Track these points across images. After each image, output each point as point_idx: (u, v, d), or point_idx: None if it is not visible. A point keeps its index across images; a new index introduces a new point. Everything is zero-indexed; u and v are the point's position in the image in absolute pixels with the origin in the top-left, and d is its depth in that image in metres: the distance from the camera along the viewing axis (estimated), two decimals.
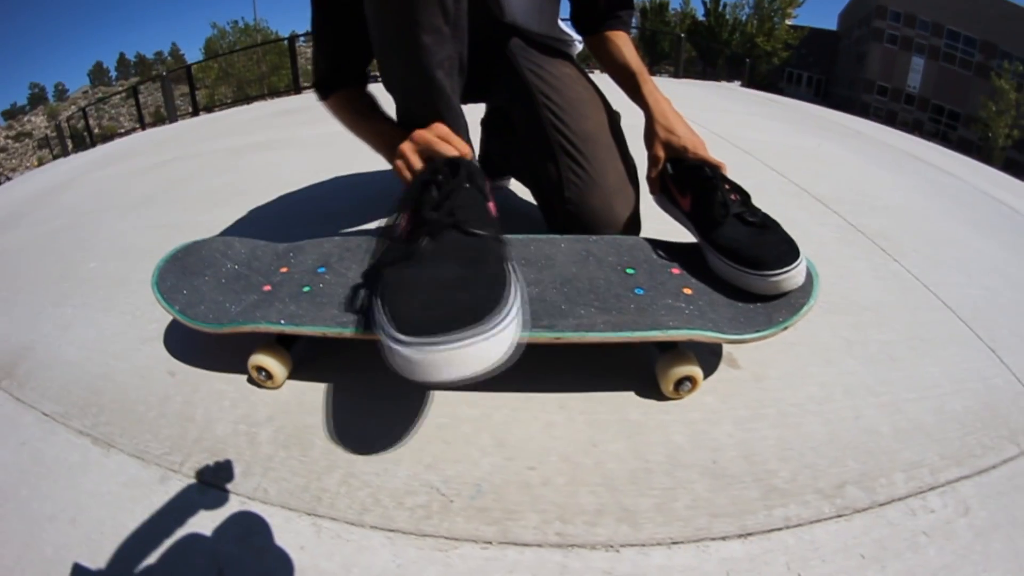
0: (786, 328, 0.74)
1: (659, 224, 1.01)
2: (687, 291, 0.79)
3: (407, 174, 0.79)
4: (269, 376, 0.81)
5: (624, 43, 1.06)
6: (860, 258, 1.18)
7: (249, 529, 0.62)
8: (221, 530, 0.62)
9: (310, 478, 0.67)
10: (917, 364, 0.86)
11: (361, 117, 0.95)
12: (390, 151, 0.85)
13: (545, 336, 0.71)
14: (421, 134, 0.79)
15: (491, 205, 0.73)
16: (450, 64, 0.79)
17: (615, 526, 0.61)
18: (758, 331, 0.73)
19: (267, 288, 0.87)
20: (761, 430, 0.72)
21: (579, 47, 1.16)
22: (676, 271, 0.83)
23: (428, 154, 0.78)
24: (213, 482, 0.68)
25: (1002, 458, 0.71)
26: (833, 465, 0.68)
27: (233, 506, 0.65)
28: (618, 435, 0.72)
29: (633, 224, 0.98)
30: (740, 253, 0.79)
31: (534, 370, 0.81)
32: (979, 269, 1.20)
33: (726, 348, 0.86)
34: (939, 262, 1.20)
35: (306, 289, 0.84)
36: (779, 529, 0.61)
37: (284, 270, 0.90)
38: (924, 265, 1.17)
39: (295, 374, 0.84)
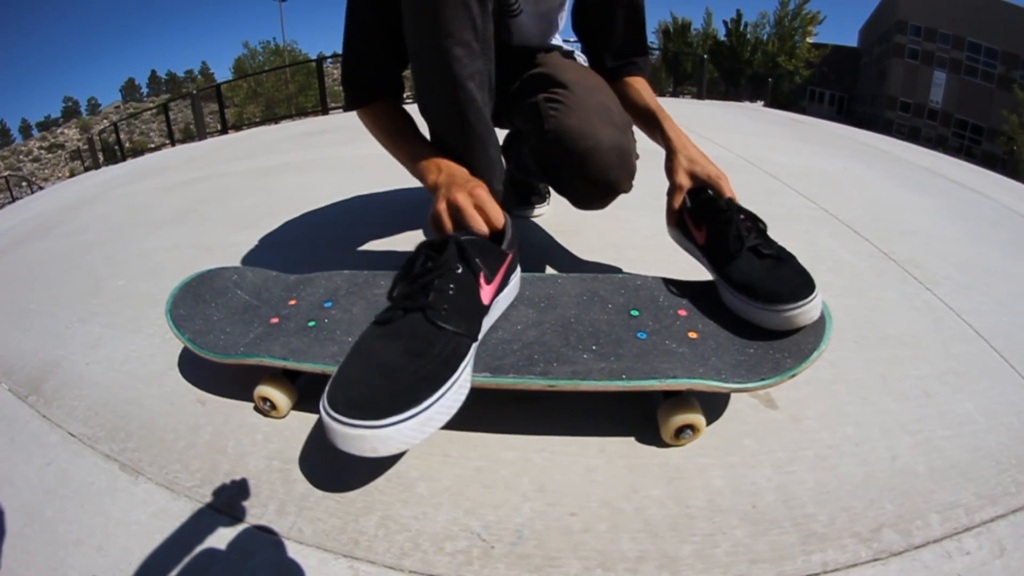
0: (793, 376, 0.71)
1: (675, 255, 1.00)
2: (692, 335, 0.77)
3: (438, 234, 0.78)
4: (273, 407, 0.81)
5: (642, 87, 1.07)
6: (892, 288, 1.16)
7: (284, 569, 0.61)
8: (255, 569, 0.62)
9: (347, 519, 0.66)
10: (951, 399, 0.84)
11: (399, 138, 0.97)
12: (424, 178, 0.87)
13: (539, 383, 0.70)
14: (456, 198, 0.77)
15: (485, 291, 0.71)
16: (480, 78, 0.83)
17: (656, 573, 0.60)
18: (763, 379, 0.71)
19: (275, 320, 0.87)
20: (799, 473, 0.71)
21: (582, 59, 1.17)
22: (683, 312, 0.81)
23: (458, 220, 0.77)
24: (246, 519, 0.67)
25: None
26: (870, 508, 0.66)
27: (267, 545, 0.64)
28: (659, 480, 0.70)
29: (622, 154, 0.94)
30: (754, 288, 0.77)
31: (572, 412, 0.80)
32: (1011, 294, 1.18)
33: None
34: (971, 289, 1.18)
35: (311, 324, 0.84)
36: (816, 575, 0.59)
37: (293, 302, 0.91)
38: (956, 293, 1.15)
39: None
